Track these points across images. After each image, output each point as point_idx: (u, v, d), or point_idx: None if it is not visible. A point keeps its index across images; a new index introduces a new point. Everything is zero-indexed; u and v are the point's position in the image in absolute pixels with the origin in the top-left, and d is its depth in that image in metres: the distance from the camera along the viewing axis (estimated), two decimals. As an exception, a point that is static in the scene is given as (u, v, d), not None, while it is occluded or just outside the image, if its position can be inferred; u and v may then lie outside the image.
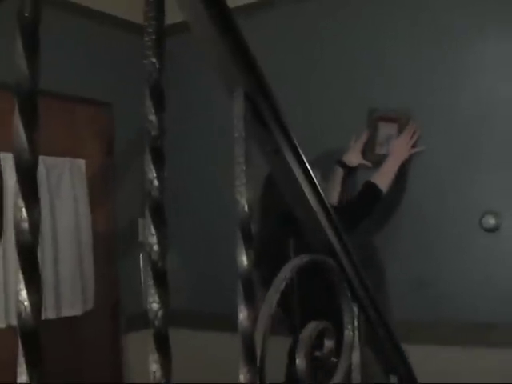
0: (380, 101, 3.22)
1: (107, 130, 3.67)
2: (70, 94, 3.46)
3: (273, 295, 1.11)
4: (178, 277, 3.81)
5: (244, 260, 1.02)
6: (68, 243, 3.43)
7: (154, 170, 0.88)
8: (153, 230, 0.89)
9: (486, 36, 3.01)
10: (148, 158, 0.88)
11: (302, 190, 1.14)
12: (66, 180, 3.45)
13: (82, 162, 3.55)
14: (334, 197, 3.09)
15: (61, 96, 3.43)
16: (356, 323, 1.31)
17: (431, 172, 3.11)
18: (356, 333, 1.32)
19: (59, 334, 3.42)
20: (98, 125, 3.63)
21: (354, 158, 3.19)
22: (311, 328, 1.20)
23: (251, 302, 1.02)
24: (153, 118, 0.88)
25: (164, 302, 0.90)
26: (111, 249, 3.67)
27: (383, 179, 2.89)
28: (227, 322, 3.19)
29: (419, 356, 3.07)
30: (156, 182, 0.88)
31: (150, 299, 0.92)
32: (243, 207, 1.03)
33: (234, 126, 1.03)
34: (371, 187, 2.85)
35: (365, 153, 3.22)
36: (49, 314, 3.31)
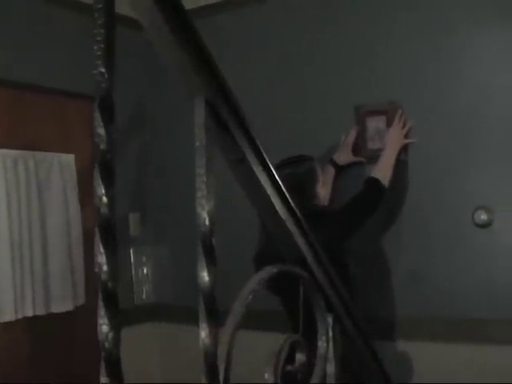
0: (371, 96, 3.18)
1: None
2: (60, 89, 3.41)
3: (238, 309, 1.07)
4: (172, 272, 3.79)
5: (205, 276, 0.98)
6: (58, 238, 3.39)
7: (102, 186, 0.84)
8: (102, 249, 0.85)
9: (480, 28, 2.95)
10: (97, 174, 0.84)
11: (269, 199, 1.10)
12: (55, 175, 3.41)
13: (71, 157, 3.50)
14: (325, 196, 3.05)
15: (50, 90, 3.39)
16: (331, 334, 1.27)
17: (423, 167, 3.07)
18: (331, 344, 1.27)
19: (50, 330, 3.39)
20: (88, 119, 3.58)
21: (344, 156, 3.15)
22: (282, 342, 1.16)
23: (213, 318, 0.98)
24: (101, 130, 0.84)
25: (115, 324, 0.86)
26: (102, 244, 3.63)
27: (383, 173, 2.85)
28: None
29: (412, 352, 3.08)
30: (105, 199, 0.84)
31: (100, 321, 0.88)
32: (204, 220, 0.98)
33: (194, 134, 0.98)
34: (374, 183, 2.80)
35: (358, 150, 3.17)
36: (38, 310, 3.28)
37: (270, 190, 1.09)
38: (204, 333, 0.98)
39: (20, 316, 3.19)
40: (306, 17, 3.40)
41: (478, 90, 2.94)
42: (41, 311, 3.29)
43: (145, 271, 3.76)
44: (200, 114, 0.97)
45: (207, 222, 0.98)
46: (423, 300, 3.06)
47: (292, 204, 1.12)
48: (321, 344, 1.26)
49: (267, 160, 1.07)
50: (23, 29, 3.15)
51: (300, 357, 1.21)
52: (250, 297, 1.09)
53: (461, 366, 2.93)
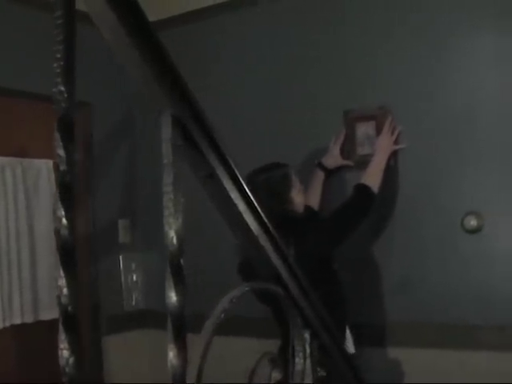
0: (360, 100, 3.16)
1: (84, 130, 3.59)
2: (48, 95, 3.37)
3: (209, 327, 1.05)
4: (161, 279, 3.76)
5: (173, 296, 0.96)
6: (46, 245, 3.38)
7: (62, 208, 0.81)
8: (62, 272, 0.83)
9: (472, 31, 2.93)
10: (56, 195, 0.81)
11: (241, 215, 1.08)
12: (43, 181, 3.40)
13: (59, 163, 3.48)
14: (315, 200, 3.02)
15: (38, 96, 3.35)
16: (308, 350, 1.25)
17: (412, 172, 3.05)
18: (308, 360, 1.25)
19: (38, 336, 3.36)
20: (77, 125, 3.55)
21: (333, 160, 3.14)
22: (257, 360, 1.14)
23: (182, 339, 0.96)
24: (61, 151, 0.81)
25: (75, 349, 0.84)
26: (90, 250, 3.61)
27: (373, 179, 2.83)
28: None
29: (403, 357, 3.06)
30: (65, 221, 0.82)
31: (61, 345, 0.86)
32: (172, 239, 0.96)
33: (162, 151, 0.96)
34: (363, 189, 2.78)
35: (347, 155, 3.16)
36: (27, 317, 3.26)
37: (241, 206, 1.07)
38: (172, 353, 0.96)
39: (8, 324, 3.17)
40: (297, 21, 3.38)
41: (469, 94, 2.91)
42: (29, 319, 3.26)
43: (134, 278, 3.73)
44: (167, 130, 0.95)
45: (175, 241, 0.96)
46: (414, 306, 3.04)
47: (265, 219, 1.10)
48: (298, 360, 1.24)
49: (238, 175, 1.04)
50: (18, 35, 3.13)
51: (276, 374, 1.19)
52: (222, 315, 1.07)
53: (452, 372, 2.91)
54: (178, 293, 0.96)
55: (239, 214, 1.07)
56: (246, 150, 3.48)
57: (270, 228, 1.11)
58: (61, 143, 0.81)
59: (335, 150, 3.14)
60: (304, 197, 2.78)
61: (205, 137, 1.00)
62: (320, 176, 3.12)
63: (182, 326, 0.97)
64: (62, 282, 0.82)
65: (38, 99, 3.37)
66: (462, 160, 2.94)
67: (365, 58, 3.18)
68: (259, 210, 1.09)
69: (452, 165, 2.96)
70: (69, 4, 0.81)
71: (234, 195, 1.05)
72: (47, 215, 3.38)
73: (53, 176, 3.42)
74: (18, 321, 3.20)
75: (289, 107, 3.39)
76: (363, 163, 3.06)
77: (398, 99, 3.07)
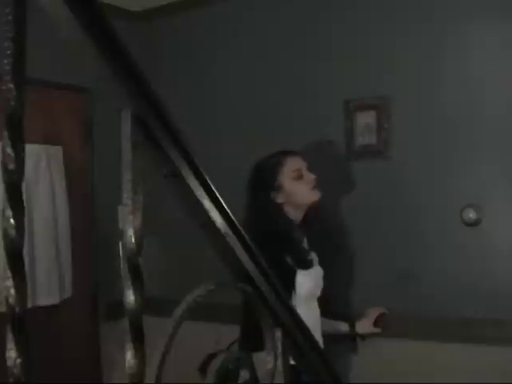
0: (361, 91, 3.13)
1: (85, 116, 3.58)
2: (48, 80, 3.37)
3: (171, 327, 1.03)
4: (160, 266, 3.76)
5: (131, 295, 0.95)
6: (45, 231, 3.37)
7: (10, 208, 0.80)
8: (9, 273, 0.81)
9: (472, 25, 2.90)
10: (5, 195, 0.80)
11: (207, 213, 1.06)
12: (42, 167, 3.38)
13: (59, 149, 3.48)
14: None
15: (38, 82, 3.34)
16: (280, 349, 1.23)
17: (411, 164, 3.02)
18: (280, 359, 1.24)
19: (37, 323, 3.37)
20: (76, 111, 3.55)
21: (366, 326, 2.97)
22: (224, 358, 1.13)
23: (140, 338, 0.95)
24: (10, 150, 0.80)
25: (24, 350, 0.83)
26: (89, 236, 3.61)
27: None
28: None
29: (399, 350, 3.04)
30: (12, 221, 0.80)
31: (9, 346, 0.84)
32: (130, 238, 0.95)
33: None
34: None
35: (378, 322, 3.03)
36: (24, 303, 3.27)
37: (207, 204, 1.05)
38: (130, 353, 0.95)
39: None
40: (297, 9, 3.35)
41: (468, 88, 2.89)
42: (28, 304, 3.27)
43: (133, 265, 3.73)
44: (126, 127, 0.93)
45: (133, 240, 0.95)
46: (411, 298, 3.02)
47: (231, 216, 1.08)
48: (269, 359, 1.22)
49: (203, 173, 1.02)
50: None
51: (244, 374, 1.17)
52: (186, 315, 1.05)
53: (448, 365, 2.91)
54: (136, 292, 0.94)
55: (205, 211, 1.05)
56: (246, 141, 3.48)
57: (237, 225, 1.09)
58: (9, 142, 0.79)
59: (371, 317, 2.98)
60: (314, 194, 2.65)
61: (167, 134, 0.98)
62: (343, 327, 2.97)
63: (140, 326, 0.96)
64: (10, 282, 0.81)
65: (38, 84, 3.37)
66: (461, 152, 2.92)
67: (366, 48, 3.15)
68: (225, 206, 1.07)
69: (451, 157, 2.93)
70: (19, 1, 0.79)
71: (199, 193, 1.04)
72: (46, 201, 3.38)
73: (52, 161, 3.42)
74: (15, 306, 3.21)
75: (289, 97, 3.37)
76: (363, 153, 3.03)
77: (399, 90, 3.04)
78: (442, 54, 2.95)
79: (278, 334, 1.23)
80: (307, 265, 2.60)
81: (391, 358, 3.06)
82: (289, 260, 2.55)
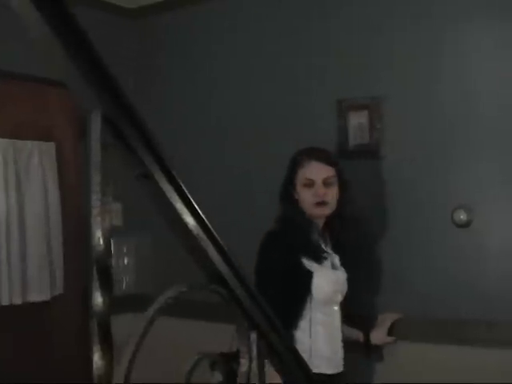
0: (354, 90, 3.13)
1: (78, 112, 3.58)
2: (41, 76, 3.36)
3: (141, 328, 1.03)
4: (152, 263, 3.77)
5: (99, 297, 0.94)
6: (36, 227, 3.37)
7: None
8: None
9: (467, 25, 2.89)
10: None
11: (180, 215, 1.05)
12: (34, 163, 3.38)
13: (52, 146, 3.47)
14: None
15: (31, 78, 3.34)
16: (255, 351, 1.23)
17: (403, 165, 3.02)
18: (255, 361, 1.23)
19: (28, 319, 3.38)
20: (69, 108, 3.54)
21: (380, 336, 2.94)
22: (193, 361, 1.13)
23: (107, 340, 0.95)
24: None
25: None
26: (82, 233, 3.60)
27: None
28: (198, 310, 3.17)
29: (387, 351, 3.04)
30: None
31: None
32: (98, 240, 0.95)
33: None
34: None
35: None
36: (15, 298, 3.27)
37: (178, 205, 1.04)
38: (97, 355, 0.95)
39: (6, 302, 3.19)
40: (290, 8, 3.34)
41: (460, 88, 2.89)
42: (17, 300, 3.27)
43: (125, 262, 3.73)
44: (95, 129, 0.93)
45: (101, 242, 0.94)
46: (402, 300, 3.02)
47: (203, 217, 1.07)
48: (244, 362, 1.22)
49: (174, 174, 1.02)
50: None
51: (217, 376, 1.17)
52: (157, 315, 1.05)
53: (436, 366, 2.90)
54: (104, 294, 0.94)
55: (177, 213, 1.05)
56: (240, 138, 3.48)
57: (209, 226, 1.09)
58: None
59: (385, 327, 2.95)
60: (317, 209, 2.62)
61: (139, 138, 0.98)
62: (357, 336, 2.94)
63: (108, 328, 0.96)
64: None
65: (31, 81, 3.38)
66: (452, 154, 2.91)
67: (360, 47, 3.14)
68: (197, 207, 1.07)
69: (443, 158, 2.93)
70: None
71: (170, 194, 1.03)
72: (38, 197, 3.38)
73: (44, 157, 3.42)
74: (6, 302, 3.21)
75: (282, 96, 3.37)
76: (356, 152, 3.04)
77: (391, 90, 3.04)
78: (436, 55, 2.94)
79: (254, 336, 1.23)
80: (319, 260, 2.58)
81: (376, 360, 3.06)
82: (305, 261, 2.53)
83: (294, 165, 2.63)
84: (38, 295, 3.35)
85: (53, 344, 3.47)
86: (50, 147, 3.45)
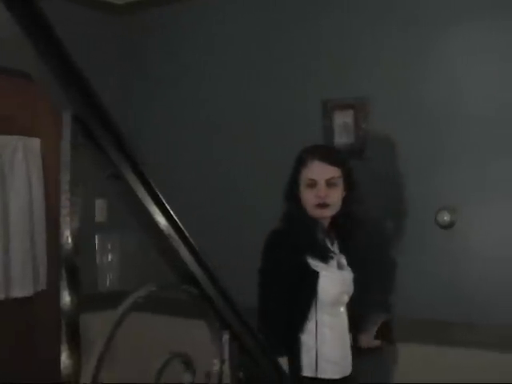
0: (339, 91, 3.14)
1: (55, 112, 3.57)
2: (26, 71, 3.35)
3: (110, 328, 1.03)
4: (137, 260, 3.76)
5: (67, 296, 0.94)
6: (20, 223, 3.37)
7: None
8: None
9: (454, 27, 2.89)
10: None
11: (151, 216, 1.05)
12: (19, 159, 3.37)
13: (36, 141, 3.46)
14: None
15: (16, 73, 3.31)
16: (227, 352, 1.23)
17: (387, 166, 3.03)
18: (227, 362, 1.24)
19: (10, 315, 3.37)
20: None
21: (365, 341, 2.82)
22: (162, 362, 1.13)
23: (75, 339, 0.95)
24: None
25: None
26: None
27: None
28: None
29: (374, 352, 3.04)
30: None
31: None
32: (67, 239, 0.94)
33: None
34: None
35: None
36: (-2, 294, 3.26)
37: (150, 207, 1.04)
38: (65, 354, 0.95)
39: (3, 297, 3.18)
40: (276, 8, 3.35)
41: (446, 90, 2.89)
42: (0, 295, 3.26)
43: (109, 258, 3.72)
44: (66, 129, 0.93)
45: (70, 241, 0.94)
46: (386, 301, 3.02)
47: (174, 217, 1.08)
48: (215, 362, 1.23)
49: (145, 174, 1.02)
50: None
51: (187, 377, 1.17)
52: (124, 318, 1.05)
53: (421, 367, 2.91)
54: (72, 293, 0.94)
55: (148, 212, 1.05)
56: (225, 137, 3.48)
57: (181, 225, 1.09)
58: None
59: (372, 332, 2.83)
60: (317, 211, 2.53)
61: (110, 139, 0.98)
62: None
63: (77, 327, 0.96)
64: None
65: (16, 76, 3.34)
66: (436, 155, 2.92)
67: (344, 48, 3.15)
68: (168, 207, 1.07)
69: (427, 159, 2.94)
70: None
71: (142, 195, 1.03)
72: (22, 193, 3.37)
73: (29, 153, 3.40)
74: (-11, 297, 3.21)
75: (267, 96, 3.37)
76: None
77: (377, 90, 3.04)
78: (422, 55, 2.94)
79: (226, 336, 1.23)
80: (325, 259, 2.51)
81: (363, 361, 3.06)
82: (311, 261, 2.47)
83: (299, 163, 2.55)
84: (20, 291, 3.35)
85: (35, 340, 3.46)
86: (34, 143, 3.44)
